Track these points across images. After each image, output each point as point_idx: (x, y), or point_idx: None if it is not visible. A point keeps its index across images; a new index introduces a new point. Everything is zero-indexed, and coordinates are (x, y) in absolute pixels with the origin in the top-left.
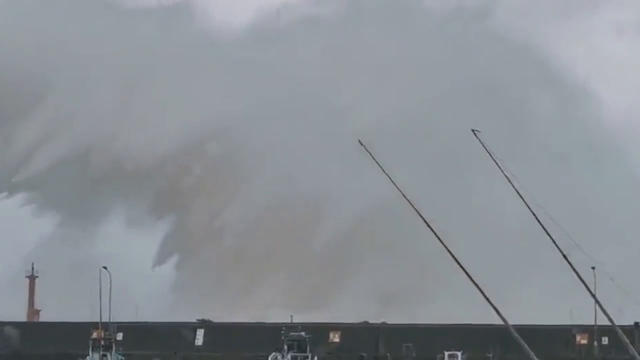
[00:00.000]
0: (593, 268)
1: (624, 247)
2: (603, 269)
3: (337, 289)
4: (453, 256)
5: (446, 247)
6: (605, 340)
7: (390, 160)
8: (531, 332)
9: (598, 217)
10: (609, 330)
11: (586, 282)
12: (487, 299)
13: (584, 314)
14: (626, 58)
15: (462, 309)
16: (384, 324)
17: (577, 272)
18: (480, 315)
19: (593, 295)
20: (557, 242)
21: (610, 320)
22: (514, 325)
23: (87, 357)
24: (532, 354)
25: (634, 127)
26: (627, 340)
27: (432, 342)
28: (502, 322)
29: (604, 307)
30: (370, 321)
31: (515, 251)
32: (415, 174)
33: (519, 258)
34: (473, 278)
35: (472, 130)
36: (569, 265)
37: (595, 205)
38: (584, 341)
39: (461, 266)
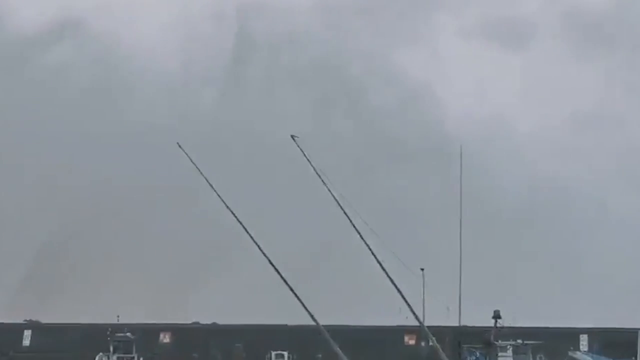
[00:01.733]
0: (422, 269)
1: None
2: (413, 271)
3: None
4: (268, 258)
5: (264, 253)
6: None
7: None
8: (362, 333)
9: (422, 218)
10: (437, 330)
11: (416, 283)
12: (300, 300)
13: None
14: (467, 60)
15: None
16: (214, 324)
17: (390, 277)
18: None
19: (402, 296)
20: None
21: (419, 320)
22: (341, 326)
23: None
24: (340, 352)
25: (472, 128)
26: (433, 339)
27: (262, 342)
28: (336, 323)
29: (433, 307)
30: (201, 322)
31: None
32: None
33: (337, 262)
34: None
35: (292, 136)
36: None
37: (422, 206)
38: (411, 342)
39: (277, 270)
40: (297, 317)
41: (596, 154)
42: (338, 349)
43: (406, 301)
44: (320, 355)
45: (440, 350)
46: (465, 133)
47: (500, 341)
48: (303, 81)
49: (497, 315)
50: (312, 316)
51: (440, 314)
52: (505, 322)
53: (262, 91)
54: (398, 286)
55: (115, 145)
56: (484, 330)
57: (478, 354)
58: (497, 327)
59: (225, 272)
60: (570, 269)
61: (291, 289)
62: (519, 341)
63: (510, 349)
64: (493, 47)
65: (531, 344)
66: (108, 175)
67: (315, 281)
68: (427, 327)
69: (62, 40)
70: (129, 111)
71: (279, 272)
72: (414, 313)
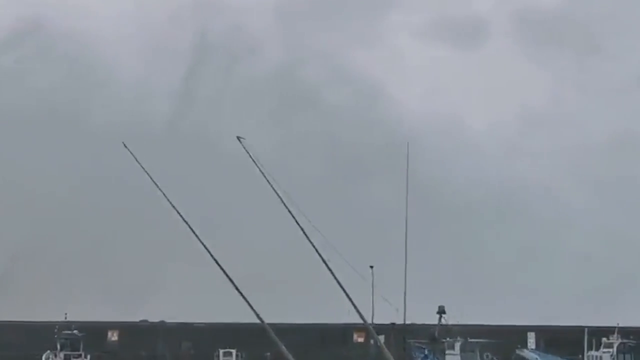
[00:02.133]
0: (371, 267)
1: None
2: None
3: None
4: (213, 256)
5: (208, 251)
6: (383, 339)
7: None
8: (311, 331)
9: (373, 217)
10: (386, 328)
11: (365, 280)
12: (245, 298)
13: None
14: (420, 59)
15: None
16: (162, 322)
17: (335, 276)
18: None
19: (346, 294)
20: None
21: (362, 318)
22: (289, 324)
23: None
24: (285, 351)
25: (429, 126)
26: (378, 338)
27: (210, 340)
28: (285, 322)
29: (384, 306)
30: (150, 320)
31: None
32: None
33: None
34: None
35: (237, 138)
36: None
37: (374, 205)
38: (360, 339)
39: (222, 268)
40: (245, 316)
41: (546, 152)
42: (283, 347)
43: (350, 299)
44: (268, 354)
45: (385, 348)
46: (420, 131)
47: (448, 338)
48: (260, 83)
49: (441, 311)
50: (257, 314)
51: (392, 312)
52: (454, 320)
53: (218, 96)
54: (345, 285)
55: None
56: (429, 326)
57: (426, 351)
58: (441, 323)
59: (175, 272)
60: (519, 266)
61: (236, 288)
62: (468, 339)
63: (458, 346)
64: (447, 46)
65: (479, 342)
66: (65, 179)
67: (265, 280)
68: (375, 324)
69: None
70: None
71: (223, 270)
72: (357, 311)
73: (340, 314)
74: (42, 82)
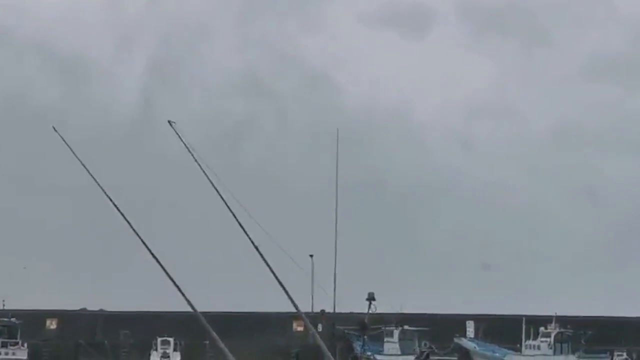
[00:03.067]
0: (311, 256)
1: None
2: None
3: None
4: (144, 243)
5: (139, 236)
6: (320, 327)
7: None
8: (249, 319)
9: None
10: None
11: (305, 269)
12: (177, 286)
13: (304, 302)
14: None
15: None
16: (101, 311)
17: (267, 262)
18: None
19: (280, 283)
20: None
21: (296, 307)
22: (227, 313)
23: None
24: (218, 338)
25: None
26: (311, 326)
27: (148, 328)
28: (225, 310)
29: (324, 294)
30: (89, 308)
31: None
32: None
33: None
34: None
35: (169, 122)
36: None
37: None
38: (300, 328)
39: (154, 256)
40: (184, 305)
41: (490, 141)
42: (215, 334)
43: (283, 286)
44: (207, 342)
45: (317, 336)
46: (363, 120)
47: (384, 327)
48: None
49: (371, 297)
50: (189, 302)
51: (329, 300)
52: (394, 308)
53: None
54: (286, 273)
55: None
56: (363, 314)
57: (365, 338)
58: (369, 311)
59: (113, 260)
60: (460, 255)
61: (168, 275)
62: (405, 327)
63: (397, 334)
64: (392, 34)
65: (417, 330)
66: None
67: (199, 268)
68: (314, 313)
69: None
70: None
71: (155, 258)
72: (291, 299)
73: (281, 303)
74: None
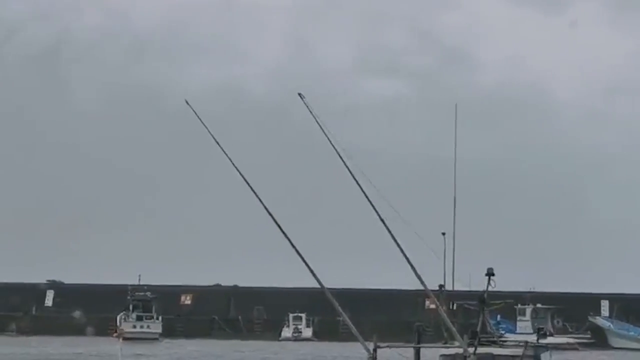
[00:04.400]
0: (443, 234)
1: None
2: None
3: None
4: (279, 226)
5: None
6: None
7: None
8: (381, 297)
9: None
10: (461, 295)
11: (435, 248)
12: (305, 262)
13: (435, 280)
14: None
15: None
16: (235, 287)
17: (394, 238)
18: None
19: (408, 260)
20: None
21: (423, 284)
22: (356, 289)
23: None
24: (346, 317)
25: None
26: (437, 302)
27: (281, 304)
28: (356, 287)
29: (455, 273)
30: (223, 284)
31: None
32: None
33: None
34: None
35: (299, 94)
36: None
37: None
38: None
39: (284, 233)
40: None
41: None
42: (340, 309)
43: (410, 264)
44: (340, 319)
45: (443, 313)
46: (499, 97)
47: (518, 305)
48: None
49: (490, 273)
50: (317, 279)
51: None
52: (536, 287)
53: None
54: (419, 252)
55: None
56: (502, 293)
57: (499, 317)
58: (488, 286)
59: (245, 237)
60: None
61: (298, 252)
62: (538, 305)
63: (529, 312)
64: (531, 10)
65: (550, 308)
66: None
67: (333, 247)
68: (450, 291)
69: None
70: None
71: (286, 235)
72: (418, 276)
73: (411, 281)
74: None
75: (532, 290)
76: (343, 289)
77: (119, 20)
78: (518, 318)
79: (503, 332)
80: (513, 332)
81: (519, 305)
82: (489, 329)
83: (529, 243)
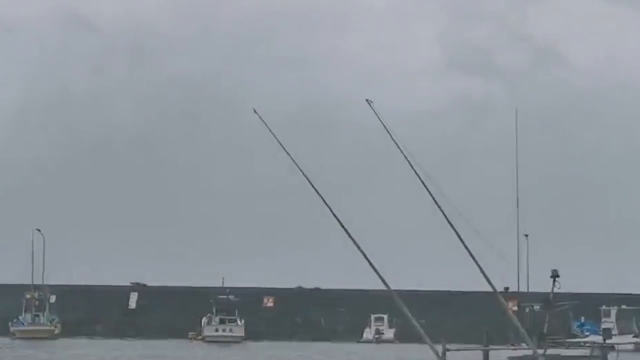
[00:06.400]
0: (526, 235)
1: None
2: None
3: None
4: (344, 227)
5: (341, 224)
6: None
7: None
8: (454, 298)
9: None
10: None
11: (520, 250)
12: (372, 265)
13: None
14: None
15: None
16: (317, 289)
17: (461, 239)
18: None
19: (476, 262)
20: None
21: (492, 286)
22: (438, 291)
23: (20, 318)
24: (414, 320)
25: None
26: (505, 304)
27: (364, 306)
28: (439, 289)
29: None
30: (304, 287)
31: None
32: None
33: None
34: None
35: (367, 100)
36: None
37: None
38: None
39: (352, 238)
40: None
41: None
42: (407, 312)
43: (479, 265)
44: (423, 321)
45: (513, 316)
46: (593, 97)
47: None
48: None
49: (555, 274)
50: (384, 281)
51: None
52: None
53: None
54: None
55: None
56: (549, 293)
57: (583, 319)
58: (553, 288)
59: (327, 238)
60: None
61: (365, 256)
62: (622, 307)
63: (614, 314)
64: (625, 8)
65: (635, 309)
66: None
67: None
68: (528, 293)
69: None
70: None
71: (353, 240)
72: (486, 278)
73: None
74: None
75: (613, 291)
76: (428, 291)
77: None
78: (602, 319)
79: (588, 333)
80: (597, 333)
81: (604, 307)
82: (572, 330)
83: (611, 244)
